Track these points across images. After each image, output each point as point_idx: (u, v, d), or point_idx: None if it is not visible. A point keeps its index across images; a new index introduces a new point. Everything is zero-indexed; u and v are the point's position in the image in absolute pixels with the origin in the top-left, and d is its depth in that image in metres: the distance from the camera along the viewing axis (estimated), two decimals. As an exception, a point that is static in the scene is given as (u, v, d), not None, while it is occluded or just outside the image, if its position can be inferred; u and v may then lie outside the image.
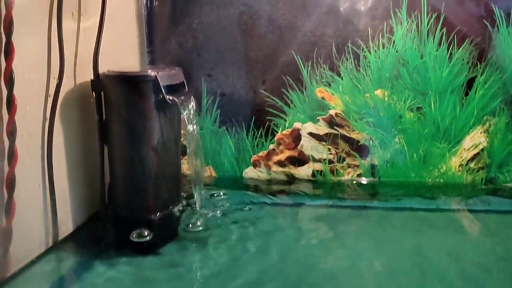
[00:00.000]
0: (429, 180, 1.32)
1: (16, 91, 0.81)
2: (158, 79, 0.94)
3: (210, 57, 1.31)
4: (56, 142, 0.96)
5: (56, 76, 0.95)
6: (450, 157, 1.30)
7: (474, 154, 1.29)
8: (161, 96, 0.95)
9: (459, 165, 1.30)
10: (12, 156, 0.83)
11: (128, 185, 1.00)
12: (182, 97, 0.99)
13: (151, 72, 0.94)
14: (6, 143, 0.82)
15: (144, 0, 1.29)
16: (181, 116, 1.00)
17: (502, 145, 1.27)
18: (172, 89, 0.98)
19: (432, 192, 1.28)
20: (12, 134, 0.83)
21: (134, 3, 1.27)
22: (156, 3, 1.30)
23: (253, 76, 1.31)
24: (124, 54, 1.24)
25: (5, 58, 0.80)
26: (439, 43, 1.22)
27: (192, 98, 1.01)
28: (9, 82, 0.81)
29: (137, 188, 0.98)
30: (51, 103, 0.95)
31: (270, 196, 1.25)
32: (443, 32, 1.21)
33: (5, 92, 0.81)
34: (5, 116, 0.81)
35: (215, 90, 1.34)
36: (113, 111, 0.97)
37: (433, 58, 1.23)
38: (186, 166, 1.27)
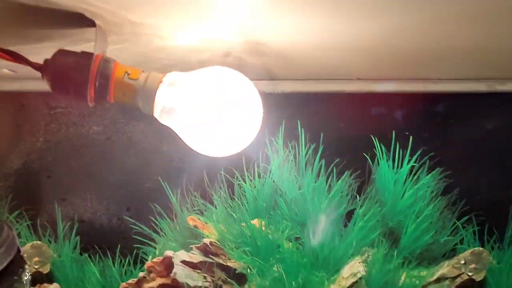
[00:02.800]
0: (308, 308, 1.25)
1: None
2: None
3: (62, 179, 1.16)
4: None
5: None
6: (329, 285, 1.24)
7: (353, 282, 1.24)
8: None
9: (338, 292, 1.24)
10: None
11: None
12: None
13: None
14: None
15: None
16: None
17: (380, 274, 1.22)
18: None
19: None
20: None
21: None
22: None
23: (116, 201, 1.18)
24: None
25: None
26: (318, 175, 1.16)
27: (27, 271, 0.84)
28: None
29: None
30: None
31: None
32: (321, 163, 1.15)
33: None
34: None
35: (72, 215, 1.19)
36: None
37: (312, 190, 1.17)
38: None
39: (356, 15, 0.70)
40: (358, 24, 0.74)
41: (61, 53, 0.72)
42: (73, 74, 0.70)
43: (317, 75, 1.06)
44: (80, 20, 0.76)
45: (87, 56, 0.71)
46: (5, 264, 0.87)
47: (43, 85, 0.72)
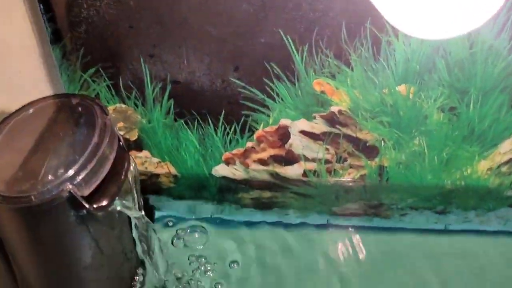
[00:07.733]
0: (448, 183, 1.05)
1: None
2: (76, 192, 0.57)
3: (149, 30, 0.88)
4: None
5: None
6: (479, 160, 1.02)
7: (510, 159, 1.01)
8: (84, 212, 0.60)
9: (488, 169, 1.02)
10: None
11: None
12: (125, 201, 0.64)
13: (65, 184, 0.56)
14: None
15: None
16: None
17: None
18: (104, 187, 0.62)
19: (446, 201, 1.07)
20: None
21: None
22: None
23: (220, 59, 0.91)
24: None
25: None
26: (501, 30, 0.84)
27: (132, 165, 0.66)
28: None
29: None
30: None
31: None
32: (510, 15, 0.83)
33: None
34: None
35: (163, 75, 0.94)
36: (14, 238, 0.67)
37: (487, 49, 0.86)
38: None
39: None
40: None
41: None
42: None
43: None
44: None
45: None
46: (110, 163, 0.69)
47: None
